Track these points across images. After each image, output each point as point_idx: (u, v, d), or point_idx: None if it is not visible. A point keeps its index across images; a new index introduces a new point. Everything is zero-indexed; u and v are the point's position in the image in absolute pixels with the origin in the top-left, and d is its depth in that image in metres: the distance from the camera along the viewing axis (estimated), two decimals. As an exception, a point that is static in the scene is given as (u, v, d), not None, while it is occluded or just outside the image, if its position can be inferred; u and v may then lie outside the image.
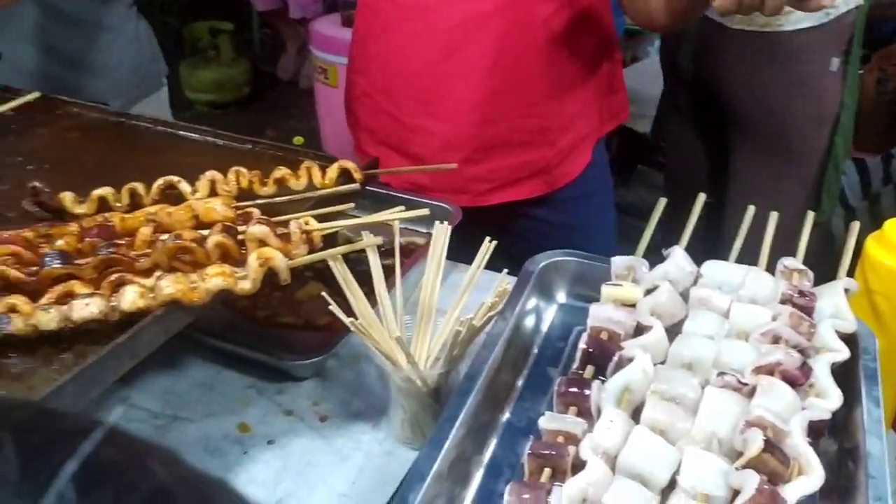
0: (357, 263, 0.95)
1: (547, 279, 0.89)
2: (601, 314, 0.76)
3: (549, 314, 0.89)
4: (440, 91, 1.33)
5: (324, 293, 0.85)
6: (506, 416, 0.78)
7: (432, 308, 0.92)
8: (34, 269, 0.80)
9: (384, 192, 1.27)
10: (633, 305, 0.79)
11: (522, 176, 1.41)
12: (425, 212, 0.89)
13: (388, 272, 0.94)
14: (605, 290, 0.80)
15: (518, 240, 1.00)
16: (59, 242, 0.83)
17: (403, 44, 1.32)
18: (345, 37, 1.54)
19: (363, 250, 0.92)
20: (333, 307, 0.84)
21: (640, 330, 0.77)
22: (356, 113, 1.47)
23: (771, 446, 0.63)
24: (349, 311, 0.87)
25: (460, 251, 1.03)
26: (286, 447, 0.92)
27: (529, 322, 0.86)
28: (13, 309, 0.77)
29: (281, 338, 1.07)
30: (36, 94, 1.28)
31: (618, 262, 0.85)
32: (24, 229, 0.89)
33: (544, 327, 0.88)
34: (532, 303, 0.86)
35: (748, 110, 1.74)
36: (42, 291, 0.80)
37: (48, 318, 0.75)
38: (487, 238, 0.89)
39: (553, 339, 0.86)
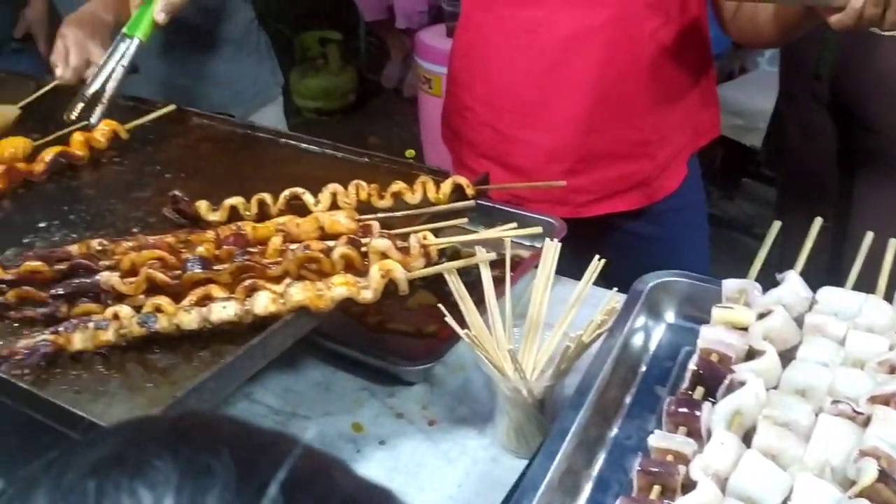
0: (463, 274, 0.98)
1: (656, 298, 0.90)
2: (712, 336, 0.77)
3: (658, 333, 0.90)
4: (544, 103, 1.35)
5: (440, 305, 0.89)
6: (614, 431, 0.80)
7: (540, 321, 0.95)
8: (177, 272, 0.87)
9: (489, 204, 1.29)
10: (745, 329, 0.80)
11: (622, 188, 1.42)
12: (538, 230, 0.92)
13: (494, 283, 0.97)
14: (717, 312, 0.81)
15: (611, 252, 1.01)
16: (199, 249, 0.90)
17: (508, 58, 1.35)
18: (449, 47, 1.58)
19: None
20: (448, 319, 0.88)
21: (751, 354, 0.77)
22: (456, 126, 1.51)
23: (885, 476, 0.63)
24: (459, 321, 0.91)
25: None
26: (397, 448, 0.97)
27: (638, 340, 0.87)
28: (158, 309, 0.84)
29: (391, 343, 1.12)
30: (171, 107, 1.38)
31: (729, 284, 0.85)
32: (166, 235, 0.97)
33: (652, 346, 0.89)
34: (640, 321, 0.88)
35: (889, 128, 1.66)
36: (183, 293, 0.87)
37: (189, 318, 0.82)
38: (597, 256, 0.91)
39: (661, 358, 0.87)
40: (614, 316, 0.84)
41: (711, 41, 1.44)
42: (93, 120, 1.24)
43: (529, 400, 0.90)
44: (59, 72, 1.38)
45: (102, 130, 1.25)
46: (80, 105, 1.28)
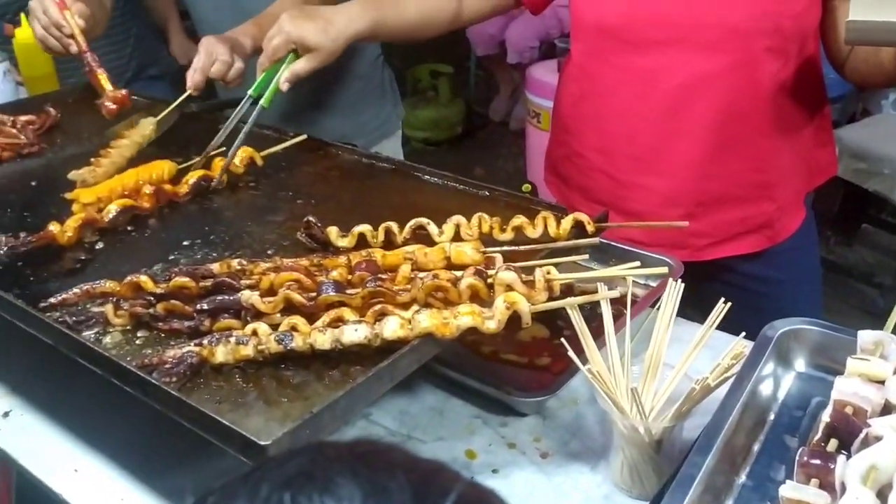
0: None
1: (785, 346, 0.89)
2: (847, 388, 0.75)
3: (787, 382, 0.88)
4: (662, 149, 1.35)
5: (563, 341, 0.90)
6: (741, 479, 0.79)
7: (659, 361, 0.94)
8: (312, 294, 0.92)
9: (608, 242, 1.30)
10: (881, 382, 0.77)
11: (743, 231, 1.41)
12: (663, 269, 0.92)
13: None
14: (852, 363, 0.79)
15: (722, 293, 1.00)
16: (333, 273, 0.95)
17: (624, 106, 1.36)
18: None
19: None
20: (571, 354, 0.89)
21: (888, 408, 0.75)
22: (565, 172, 1.52)
23: None
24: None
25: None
26: (509, 477, 0.98)
27: (766, 388, 0.86)
28: (294, 328, 0.89)
29: (504, 373, 1.14)
30: (303, 137, 1.45)
31: (865, 336, 0.83)
32: (301, 258, 1.03)
33: (781, 395, 0.87)
34: (769, 368, 0.86)
35: None
36: (316, 314, 0.92)
37: (323, 338, 0.87)
38: (721, 300, 0.90)
39: (790, 407, 0.85)
40: (741, 361, 0.83)
41: (830, 82, 1.41)
42: (214, 184, 1.30)
43: (647, 439, 0.90)
44: (188, 80, 1.47)
45: (241, 157, 1.33)
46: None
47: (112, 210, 1.17)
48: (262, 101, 1.33)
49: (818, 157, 1.44)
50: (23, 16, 1.95)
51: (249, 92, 1.33)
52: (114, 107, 1.36)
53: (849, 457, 0.70)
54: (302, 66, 1.30)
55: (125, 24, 2.42)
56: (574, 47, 1.41)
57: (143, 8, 2.59)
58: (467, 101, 4.74)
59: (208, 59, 1.46)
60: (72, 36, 1.52)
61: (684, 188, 1.36)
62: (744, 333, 0.87)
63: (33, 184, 1.36)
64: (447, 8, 1.44)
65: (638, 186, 1.40)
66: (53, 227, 1.11)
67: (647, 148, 1.36)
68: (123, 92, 1.39)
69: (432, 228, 1.10)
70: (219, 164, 1.32)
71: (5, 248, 1.07)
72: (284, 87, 1.31)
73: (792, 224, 1.43)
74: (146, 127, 1.46)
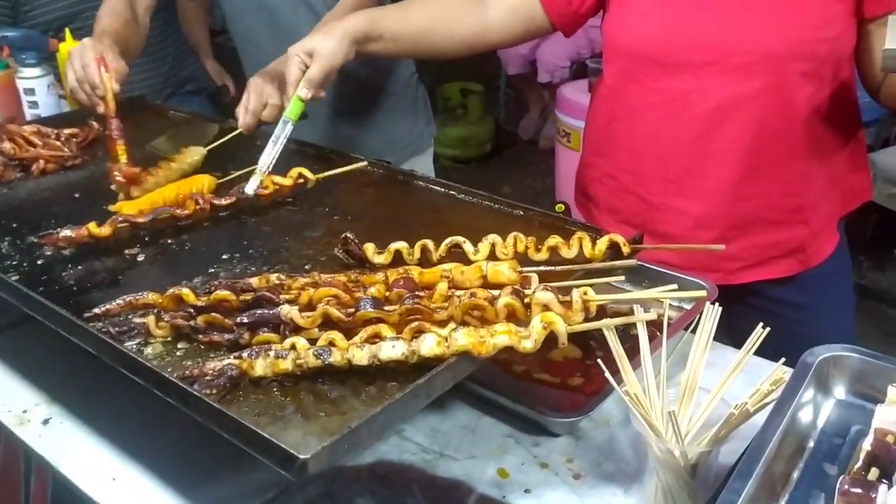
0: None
1: (825, 372, 0.88)
2: (888, 417, 0.75)
3: (826, 409, 0.88)
4: (694, 171, 1.35)
5: (599, 361, 0.90)
6: (781, 506, 0.79)
7: (695, 385, 0.94)
8: (350, 310, 0.93)
9: (643, 264, 1.30)
10: (923, 411, 0.77)
11: (776, 255, 1.40)
12: (702, 293, 0.92)
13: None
14: (893, 392, 0.78)
15: (752, 318, 1.00)
16: (371, 290, 0.96)
17: (656, 127, 1.36)
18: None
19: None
20: (607, 375, 0.89)
21: (930, 438, 0.74)
22: (594, 193, 1.52)
23: None
24: (603, 377, 0.92)
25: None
26: (542, 497, 0.98)
27: (805, 415, 0.85)
28: (332, 343, 0.90)
29: (536, 392, 1.14)
30: (363, 164, 1.45)
31: (906, 364, 0.82)
32: (339, 274, 1.04)
33: (821, 422, 0.86)
34: (809, 395, 0.86)
35: None
36: (353, 330, 0.93)
37: (361, 354, 0.88)
38: (760, 324, 0.90)
39: (829, 434, 0.85)
40: (781, 387, 0.83)
41: (864, 106, 1.40)
42: (247, 190, 1.30)
43: (682, 463, 0.90)
44: (240, 120, 1.49)
45: (292, 177, 1.35)
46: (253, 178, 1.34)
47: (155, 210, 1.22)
48: (285, 115, 1.36)
49: (852, 182, 1.44)
50: (67, 31, 2.00)
51: (283, 116, 1.36)
52: (123, 180, 1.36)
53: (890, 486, 0.70)
54: (312, 71, 1.33)
55: (163, 41, 2.47)
56: (606, 69, 1.42)
57: (179, 26, 2.65)
58: (497, 119, 4.76)
59: (258, 101, 1.48)
60: (103, 98, 1.52)
61: (717, 211, 1.36)
62: (783, 360, 0.87)
63: (76, 196, 1.39)
64: (467, 19, 1.40)
65: (669, 209, 1.39)
66: (91, 226, 1.15)
67: (680, 170, 1.36)
68: (137, 170, 1.38)
69: (468, 247, 1.10)
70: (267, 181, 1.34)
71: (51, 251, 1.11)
72: (303, 93, 1.34)
73: (825, 249, 1.42)
74: (195, 154, 1.48)
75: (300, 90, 1.34)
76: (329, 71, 1.34)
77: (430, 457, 1.05)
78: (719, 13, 1.25)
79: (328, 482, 0.44)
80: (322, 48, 1.33)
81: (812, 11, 1.22)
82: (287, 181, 1.34)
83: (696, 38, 1.27)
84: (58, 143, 1.53)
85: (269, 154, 1.34)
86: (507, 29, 1.42)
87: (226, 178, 1.40)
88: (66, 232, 1.15)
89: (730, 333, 1.23)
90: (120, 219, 1.19)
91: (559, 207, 3.10)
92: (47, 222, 1.28)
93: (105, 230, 1.16)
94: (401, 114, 2.04)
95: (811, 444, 0.84)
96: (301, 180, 1.35)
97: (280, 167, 1.35)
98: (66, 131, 1.59)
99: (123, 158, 1.45)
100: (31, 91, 1.95)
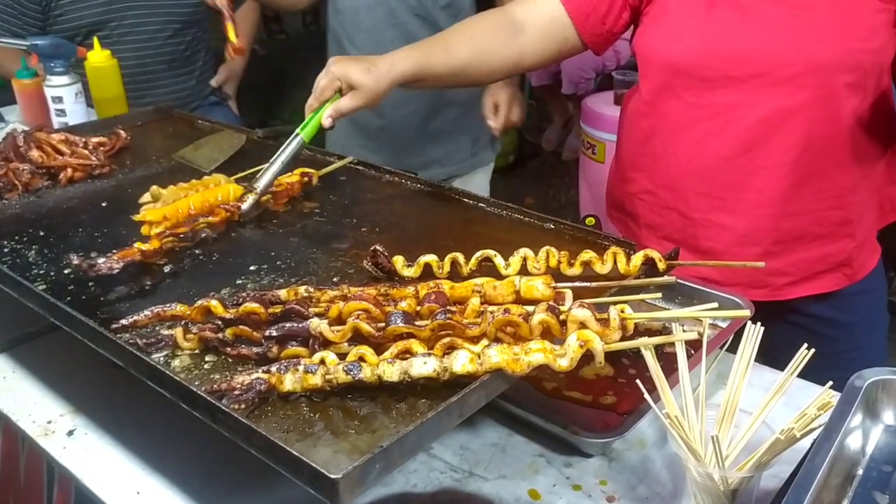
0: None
1: (873, 397, 0.85)
2: (944, 444, 0.71)
3: (875, 435, 0.85)
4: (737, 186, 1.32)
5: (638, 382, 0.88)
6: (830, 535, 0.75)
7: (735, 407, 0.91)
8: (381, 325, 0.91)
9: (681, 281, 1.26)
10: (980, 439, 0.73)
11: (823, 269, 1.37)
12: (746, 313, 0.89)
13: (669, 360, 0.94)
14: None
15: (787, 335, 0.97)
16: (402, 304, 0.94)
17: (698, 142, 1.33)
18: (616, 115, 1.59)
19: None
20: (647, 396, 0.86)
21: None
22: (632, 209, 1.49)
23: None
24: (637, 395, 0.89)
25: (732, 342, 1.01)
26: (575, 522, 0.95)
27: (854, 441, 0.82)
28: (362, 358, 0.88)
29: (567, 411, 1.11)
30: (349, 160, 1.46)
31: (960, 389, 0.79)
32: (368, 287, 1.02)
33: (869, 449, 0.83)
34: (857, 420, 0.82)
35: None
36: (383, 345, 0.91)
37: (391, 370, 0.86)
38: (805, 345, 0.87)
39: (879, 461, 0.81)
40: (829, 412, 0.80)
41: None
42: (244, 207, 1.28)
43: (722, 488, 0.87)
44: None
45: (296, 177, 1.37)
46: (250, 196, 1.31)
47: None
48: (300, 133, 1.31)
49: (891, 194, 1.41)
50: (95, 39, 2.01)
51: (297, 130, 1.31)
52: (234, 55, 1.95)
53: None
54: (344, 103, 1.27)
55: (191, 56, 2.49)
56: (643, 84, 1.39)
57: (208, 42, 2.65)
58: (520, 130, 4.73)
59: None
60: None
61: (762, 226, 1.33)
62: (830, 382, 0.84)
63: (104, 204, 1.39)
64: (505, 49, 1.38)
65: (713, 224, 1.37)
66: (137, 244, 1.14)
67: (724, 185, 1.33)
68: (244, 46, 1.91)
69: (499, 261, 1.08)
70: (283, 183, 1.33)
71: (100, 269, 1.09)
72: (326, 122, 1.29)
73: (870, 262, 1.41)
74: (218, 179, 1.46)
75: (325, 119, 1.29)
76: (359, 110, 1.29)
77: (460, 476, 1.03)
78: (762, 25, 1.23)
79: None
80: (364, 87, 1.26)
81: (857, 22, 1.19)
82: (294, 178, 1.36)
83: (738, 51, 1.25)
84: (86, 152, 1.53)
85: (272, 172, 1.30)
86: (542, 52, 1.41)
87: (238, 176, 1.39)
88: (111, 261, 1.10)
89: (762, 351, 1.20)
90: (166, 233, 1.17)
91: (589, 221, 3.07)
92: (75, 230, 1.27)
93: (152, 245, 1.15)
94: (465, 124, 2.09)
95: (860, 471, 0.81)
96: (306, 179, 1.36)
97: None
98: (94, 140, 1.59)
99: (233, 38, 1.92)
100: (59, 99, 1.96)
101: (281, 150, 1.31)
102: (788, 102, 1.24)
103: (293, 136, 1.32)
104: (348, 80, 1.27)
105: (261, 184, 1.30)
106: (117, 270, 1.10)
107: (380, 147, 2.09)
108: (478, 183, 2.21)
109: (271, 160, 1.31)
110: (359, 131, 2.11)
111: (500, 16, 1.40)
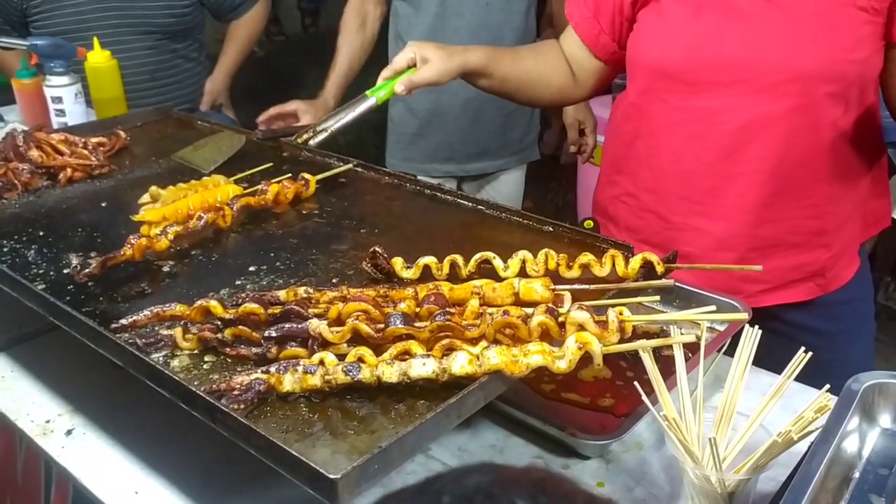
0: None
1: (870, 400, 0.85)
2: (940, 448, 0.72)
3: (871, 438, 0.85)
4: (717, 191, 1.33)
5: (637, 384, 0.88)
6: (827, 538, 0.76)
7: (733, 410, 0.92)
8: (380, 326, 0.91)
9: (677, 283, 1.27)
10: (976, 443, 0.74)
11: (796, 278, 1.38)
12: (744, 316, 0.89)
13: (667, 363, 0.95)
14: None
15: (769, 342, 0.98)
16: (402, 305, 0.94)
17: (680, 145, 1.34)
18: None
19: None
20: (645, 399, 0.87)
21: (984, 471, 0.71)
22: (614, 212, 1.51)
23: None
24: (635, 398, 0.90)
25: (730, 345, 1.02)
26: (572, 523, 0.96)
27: (851, 444, 0.82)
28: (361, 359, 0.88)
29: (565, 413, 1.12)
30: (350, 164, 1.46)
31: (956, 392, 0.79)
32: (368, 288, 1.02)
33: (866, 452, 0.84)
34: (854, 423, 0.83)
35: None
36: (382, 346, 0.91)
37: (390, 371, 0.86)
38: (802, 349, 0.88)
39: (875, 464, 0.82)
40: (825, 415, 0.80)
41: (887, 130, 1.39)
42: (311, 142, 1.45)
43: (719, 491, 0.87)
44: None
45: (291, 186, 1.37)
46: (310, 135, 1.52)
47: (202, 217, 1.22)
48: (369, 93, 1.46)
49: (874, 208, 1.42)
50: (95, 39, 2.01)
51: (367, 92, 1.47)
52: None
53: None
54: (419, 76, 1.40)
55: (179, 66, 2.50)
56: (630, 87, 1.41)
57: (201, 48, 2.66)
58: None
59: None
60: None
61: (739, 232, 1.34)
62: (827, 386, 0.84)
63: (103, 205, 1.39)
64: (561, 75, 1.51)
65: (691, 229, 1.38)
66: (144, 240, 1.15)
67: (703, 190, 1.34)
68: None
69: (497, 263, 1.08)
70: (275, 188, 1.33)
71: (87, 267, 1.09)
72: (399, 88, 1.41)
73: (845, 274, 1.41)
74: (217, 180, 1.46)
75: (398, 85, 1.41)
76: (429, 84, 1.42)
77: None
78: (748, 32, 1.24)
79: (488, 480, 0.42)
80: (437, 63, 1.40)
81: (843, 33, 1.20)
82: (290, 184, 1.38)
83: (723, 57, 1.26)
84: (85, 152, 1.53)
85: (337, 118, 1.47)
86: (592, 87, 1.55)
87: (237, 177, 1.40)
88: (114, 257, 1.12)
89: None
90: (172, 231, 1.18)
91: (588, 224, 3.09)
92: (74, 230, 1.28)
93: (161, 244, 1.16)
94: (517, 119, 2.20)
95: (856, 474, 0.81)
96: (302, 182, 1.38)
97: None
98: (94, 140, 1.59)
99: None
100: (58, 99, 1.97)
101: (351, 102, 1.49)
102: (770, 109, 1.25)
103: (362, 95, 1.47)
104: (423, 54, 1.41)
105: (328, 124, 1.48)
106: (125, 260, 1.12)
107: (433, 132, 2.20)
108: (515, 178, 2.36)
109: (340, 108, 1.51)
110: (414, 116, 2.22)
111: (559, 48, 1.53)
